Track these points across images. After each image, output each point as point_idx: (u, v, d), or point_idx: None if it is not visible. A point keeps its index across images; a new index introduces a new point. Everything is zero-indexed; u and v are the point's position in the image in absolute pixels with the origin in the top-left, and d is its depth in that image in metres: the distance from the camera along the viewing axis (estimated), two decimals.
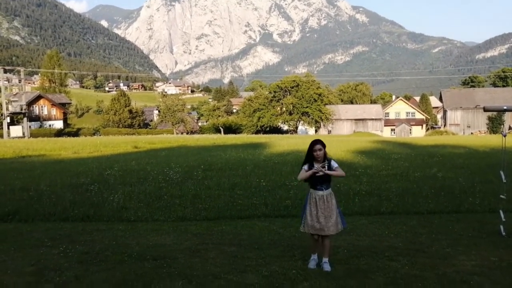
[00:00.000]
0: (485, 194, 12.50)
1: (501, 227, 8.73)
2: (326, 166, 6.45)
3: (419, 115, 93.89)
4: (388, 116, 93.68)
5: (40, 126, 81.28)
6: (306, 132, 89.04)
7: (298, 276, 6.25)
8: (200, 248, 7.74)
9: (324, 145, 6.53)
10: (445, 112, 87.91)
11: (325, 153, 6.54)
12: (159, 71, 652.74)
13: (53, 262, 6.88)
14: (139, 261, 6.88)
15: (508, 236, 8.53)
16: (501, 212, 8.78)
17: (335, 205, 6.60)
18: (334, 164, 6.55)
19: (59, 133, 72.89)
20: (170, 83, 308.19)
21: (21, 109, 70.63)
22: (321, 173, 6.40)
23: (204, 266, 6.67)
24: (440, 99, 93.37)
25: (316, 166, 6.44)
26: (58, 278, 6.15)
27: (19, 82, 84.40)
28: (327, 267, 6.50)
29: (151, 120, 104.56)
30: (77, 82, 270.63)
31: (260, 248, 7.73)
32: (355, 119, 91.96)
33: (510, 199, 10.53)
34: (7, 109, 67.02)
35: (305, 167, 6.56)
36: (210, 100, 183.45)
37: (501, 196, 8.98)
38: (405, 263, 6.82)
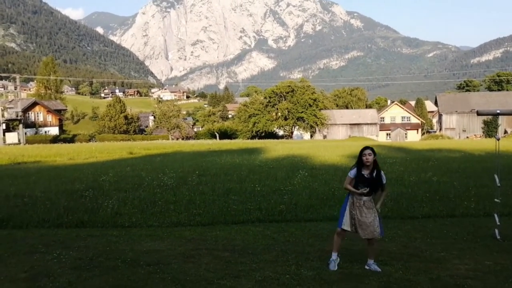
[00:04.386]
0: (480, 198, 12.51)
1: (496, 231, 8.76)
2: (373, 177, 6.69)
3: (414, 120, 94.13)
4: (383, 120, 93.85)
5: (36, 133, 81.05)
6: (302, 137, 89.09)
7: (291, 281, 6.25)
8: (194, 253, 7.72)
9: (374, 152, 6.67)
10: (440, 116, 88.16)
11: (376, 162, 6.71)
12: (154, 77, 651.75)
13: (47, 268, 6.84)
14: (133, 267, 6.86)
15: (502, 240, 8.55)
16: (496, 216, 8.80)
17: (373, 210, 6.75)
18: (383, 176, 6.80)
19: (54, 140, 72.63)
20: (165, 89, 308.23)
21: (17, 116, 70.55)
22: (364, 192, 6.65)
23: (197, 272, 6.65)
24: (436, 103, 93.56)
25: (364, 172, 6.67)
26: (51, 284, 6.12)
27: (15, 89, 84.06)
28: (376, 267, 6.75)
29: (147, 126, 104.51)
30: (73, 88, 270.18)
31: (254, 253, 7.72)
32: (350, 124, 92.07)
33: (505, 203, 10.57)
34: (2, 115, 66.91)
35: (352, 172, 6.73)
36: (205, 105, 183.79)
37: (496, 200, 9.00)
38: (399, 268, 6.83)
